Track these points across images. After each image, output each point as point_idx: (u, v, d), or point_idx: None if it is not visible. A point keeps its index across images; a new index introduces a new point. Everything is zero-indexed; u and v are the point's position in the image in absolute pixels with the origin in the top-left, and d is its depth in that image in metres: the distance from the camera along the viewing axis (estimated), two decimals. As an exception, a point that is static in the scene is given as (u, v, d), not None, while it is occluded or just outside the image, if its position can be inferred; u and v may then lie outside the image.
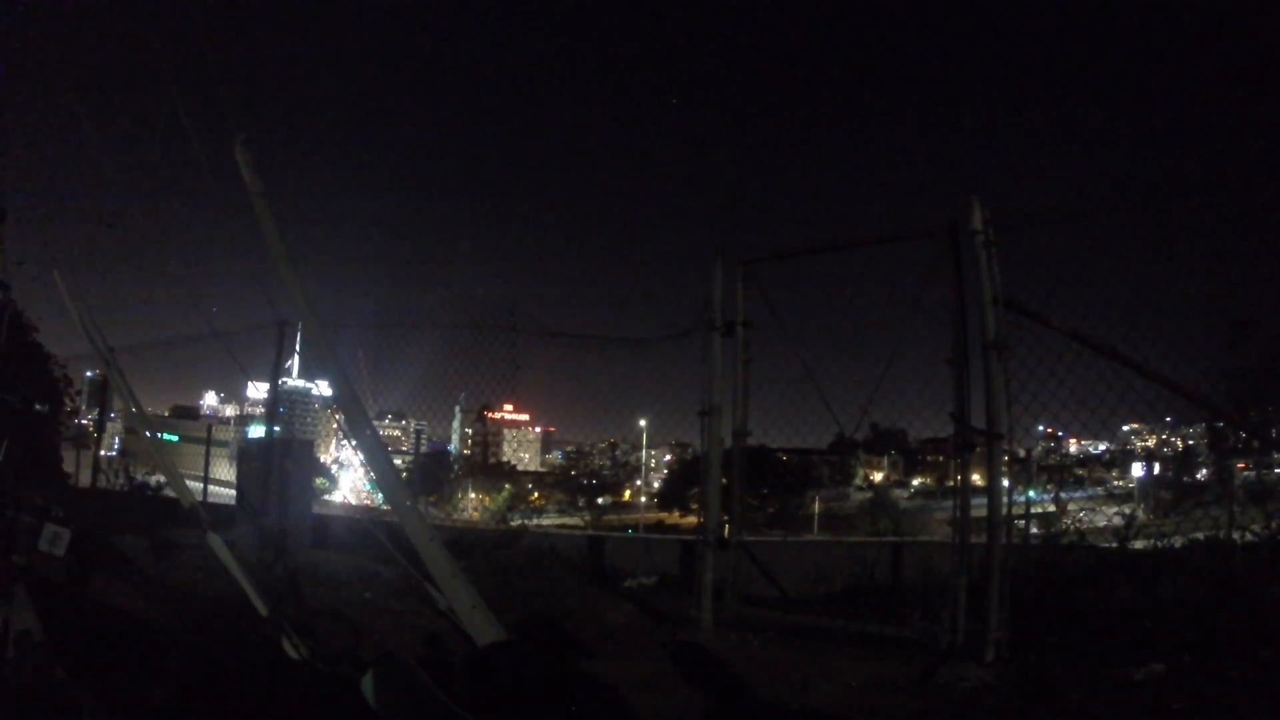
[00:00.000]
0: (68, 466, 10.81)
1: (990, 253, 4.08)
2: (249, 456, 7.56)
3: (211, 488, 10.18)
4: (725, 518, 5.08)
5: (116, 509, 8.25)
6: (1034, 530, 6.40)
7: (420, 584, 1.36)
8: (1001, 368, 3.99)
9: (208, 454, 10.38)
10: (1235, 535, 4.24)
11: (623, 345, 6.56)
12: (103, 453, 10.52)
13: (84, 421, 11.69)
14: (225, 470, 10.51)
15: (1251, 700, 2.89)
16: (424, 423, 9.18)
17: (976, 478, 4.29)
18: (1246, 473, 5.21)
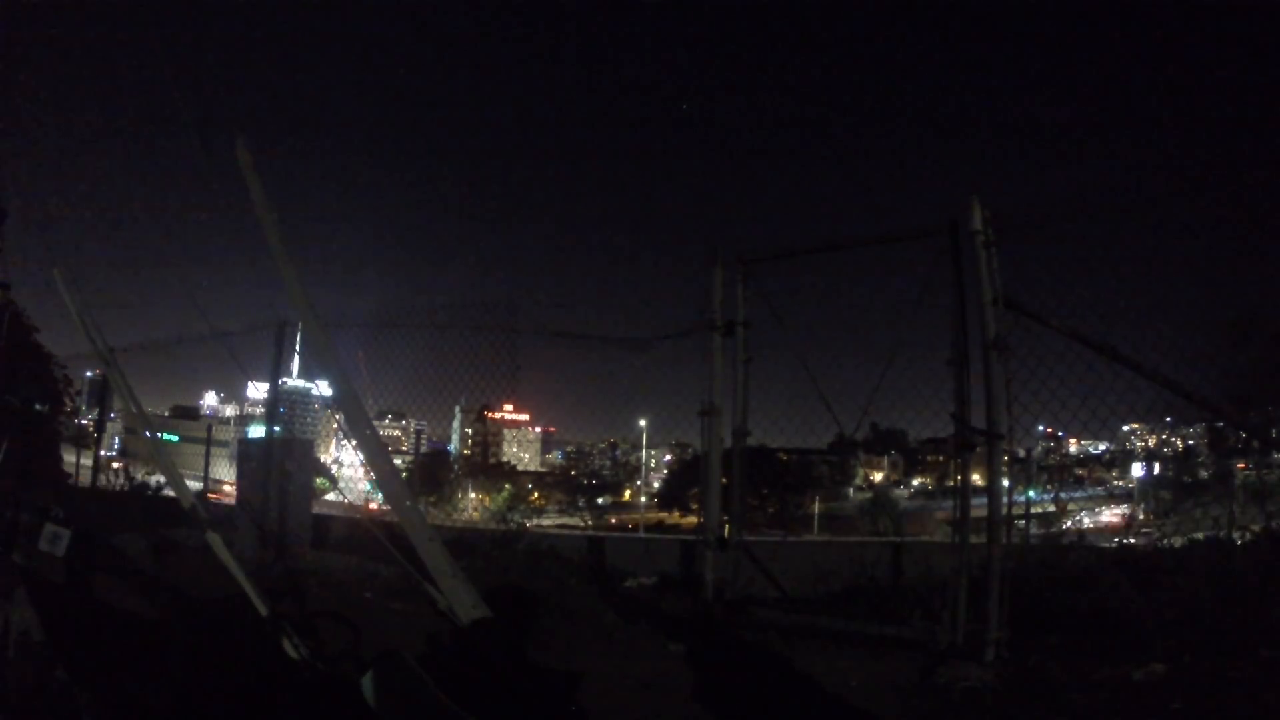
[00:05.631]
0: (68, 466, 10.81)
1: (990, 253, 4.08)
2: (249, 456, 7.55)
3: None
4: (725, 518, 5.08)
5: (116, 509, 8.25)
6: (1034, 530, 6.40)
7: (420, 584, 1.35)
8: (1001, 368, 3.99)
9: (208, 454, 10.39)
10: (1235, 535, 4.24)
11: (623, 345, 6.55)
12: (103, 453, 10.52)
13: (84, 421, 11.69)
14: (225, 470, 10.51)
15: (1251, 700, 2.89)
16: (424, 423, 9.17)
17: (976, 478, 4.29)
18: (1246, 473, 5.20)
